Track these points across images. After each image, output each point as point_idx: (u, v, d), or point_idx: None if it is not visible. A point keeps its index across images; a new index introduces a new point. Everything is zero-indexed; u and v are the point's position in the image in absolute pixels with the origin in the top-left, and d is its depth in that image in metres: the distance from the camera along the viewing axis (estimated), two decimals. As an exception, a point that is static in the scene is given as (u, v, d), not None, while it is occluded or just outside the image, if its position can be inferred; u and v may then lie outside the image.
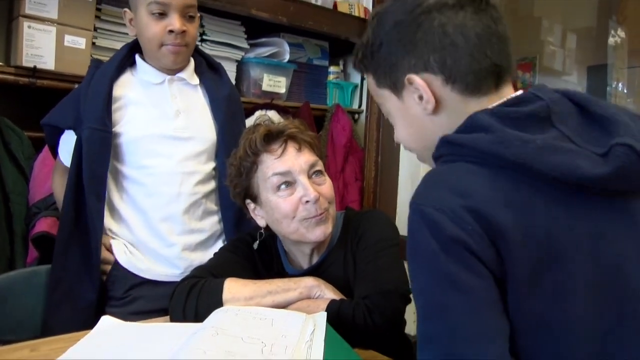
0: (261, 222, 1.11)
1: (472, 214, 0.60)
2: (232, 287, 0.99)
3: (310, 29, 2.25)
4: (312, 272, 1.11)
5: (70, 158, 1.32)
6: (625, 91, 3.25)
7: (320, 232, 1.05)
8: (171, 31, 1.26)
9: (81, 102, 1.28)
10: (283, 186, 1.04)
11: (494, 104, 0.70)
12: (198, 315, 0.96)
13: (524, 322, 0.61)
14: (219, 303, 0.96)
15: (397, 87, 0.74)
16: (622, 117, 0.66)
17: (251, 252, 1.14)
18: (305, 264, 1.13)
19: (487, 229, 0.59)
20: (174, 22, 1.25)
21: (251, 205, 1.12)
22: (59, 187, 1.40)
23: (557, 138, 0.64)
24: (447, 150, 0.69)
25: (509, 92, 0.73)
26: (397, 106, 0.76)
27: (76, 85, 1.48)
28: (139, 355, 0.77)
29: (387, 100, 0.78)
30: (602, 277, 0.61)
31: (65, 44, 1.64)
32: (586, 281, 0.60)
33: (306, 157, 1.06)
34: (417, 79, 0.71)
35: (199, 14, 1.35)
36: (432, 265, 0.60)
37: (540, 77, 3.16)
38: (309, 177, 1.06)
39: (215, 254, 1.17)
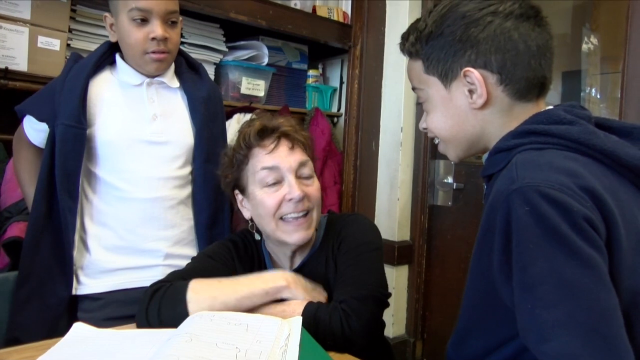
0: (246, 214, 1.12)
1: (587, 192, 0.62)
2: (197, 287, 0.96)
3: (290, 33, 2.25)
4: None
5: (35, 136, 1.33)
6: (598, 96, 3.32)
7: (300, 237, 1.05)
8: (153, 38, 1.24)
9: (56, 96, 1.26)
10: (270, 182, 1.04)
11: (551, 107, 0.77)
12: (162, 318, 0.94)
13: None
14: (182, 304, 0.93)
15: (447, 77, 0.78)
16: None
17: (231, 257, 1.13)
18: (287, 266, 1.13)
19: (600, 208, 0.62)
20: (156, 29, 1.24)
21: (239, 197, 1.13)
22: (22, 163, 1.38)
23: None
24: (528, 140, 0.72)
25: (543, 105, 0.79)
26: (441, 95, 0.80)
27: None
28: (111, 363, 0.76)
29: (431, 87, 0.81)
30: None
31: (39, 45, 1.61)
32: None
33: (297, 156, 1.06)
34: (475, 73, 0.75)
35: (181, 18, 1.34)
36: (563, 246, 0.60)
37: (516, 82, 3.20)
38: (297, 176, 1.06)
39: (192, 259, 1.16)
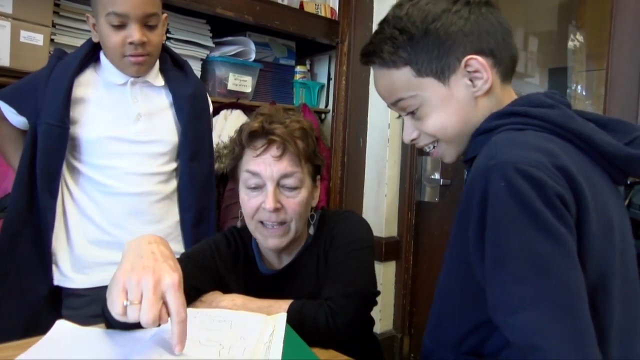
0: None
1: (562, 171, 0.63)
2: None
3: (277, 29, 2.23)
4: (285, 272, 1.12)
5: (14, 118, 1.32)
6: (584, 93, 3.35)
7: (273, 244, 1.05)
8: (131, 42, 1.24)
9: (39, 93, 1.25)
10: (252, 185, 1.04)
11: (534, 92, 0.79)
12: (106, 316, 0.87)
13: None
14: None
15: (444, 73, 0.77)
16: (617, 118, 0.80)
17: (212, 256, 1.11)
18: (276, 264, 1.13)
19: (574, 188, 0.63)
20: (134, 33, 1.23)
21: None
22: (3, 139, 1.37)
23: None
24: (509, 120, 0.74)
25: (511, 89, 0.82)
26: (441, 93, 0.78)
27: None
28: (93, 361, 0.75)
29: (427, 89, 0.79)
30: (622, 250, 0.70)
31: (21, 39, 1.59)
32: (619, 246, 0.69)
33: (282, 166, 1.02)
34: (478, 59, 0.75)
35: (165, 15, 1.33)
36: (537, 223, 0.61)
37: (503, 78, 3.22)
38: (280, 185, 1.03)
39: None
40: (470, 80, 0.77)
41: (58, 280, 1.29)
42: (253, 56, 2.25)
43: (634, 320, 0.72)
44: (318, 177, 1.13)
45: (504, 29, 0.78)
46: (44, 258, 1.26)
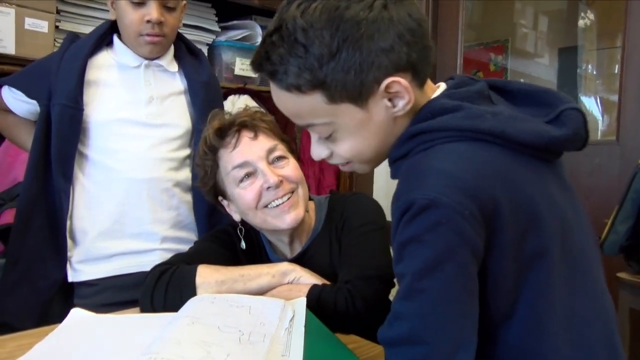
0: (236, 217, 1.09)
1: (468, 196, 0.59)
2: (204, 272, 0.97)
3: (283, 12, 2.20)
4: (297, 260, 1.09)
5: (15, 105, 1.31)
6: (594, 73, 3.30)
7: (291, 219, 1.02)
8: (148, 21, 1.23)
9: (52, 76, 1.24)
10: (245, 177, 1.02)
11: (440, 91, 0.71)
12: (167, 302, 0.93)
13: (505, 287, 0.63)
14: (190, 288, 0.94)
15: (362, 96, 0.66)
16: (544, 88, 0.72)
17: (232, 242, 1.11)
18: (288, 253, 1.11)
19: (483, 208, 0.59)
20: (152, 11, 1.23)
21: (224, 202, 1.10)
22: (10, 129, 1.37)
23: (508, 110, 0.68)
24: (415, 143, 0.67)
25: (431, 83, 0.73)
26: (358, 118, 0.68)
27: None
28: (111, 349, 0.74)
29: (342, 116, 0.67)
30: (563, 234, 0.66)
31: (26, 27, 1.57)
32: (557, 241, 0.65)
33: (262, 144, 1.03)
34: (401, 82, 0.65)
35: (184, 2, 1.33)
36: (425, 251, 0.59)
37: (512, 59, 3.18)
38: (269, 162, 1.03)
39: (194, 243, 1.14)
40: (390, 99, 0.67)
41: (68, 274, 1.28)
42: (259, 40, 2.21)
43: (587, 306, 0.68)
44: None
45: (420, 29, 0.67)
46: (58, 244, 1.26)
